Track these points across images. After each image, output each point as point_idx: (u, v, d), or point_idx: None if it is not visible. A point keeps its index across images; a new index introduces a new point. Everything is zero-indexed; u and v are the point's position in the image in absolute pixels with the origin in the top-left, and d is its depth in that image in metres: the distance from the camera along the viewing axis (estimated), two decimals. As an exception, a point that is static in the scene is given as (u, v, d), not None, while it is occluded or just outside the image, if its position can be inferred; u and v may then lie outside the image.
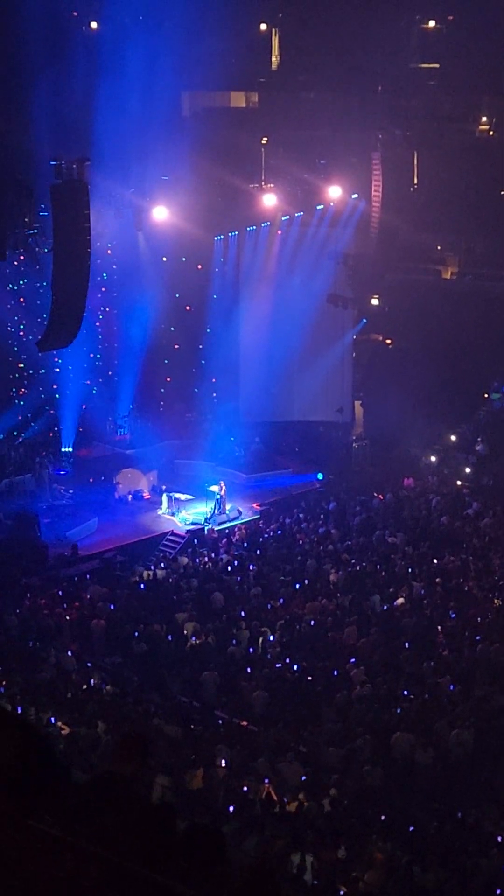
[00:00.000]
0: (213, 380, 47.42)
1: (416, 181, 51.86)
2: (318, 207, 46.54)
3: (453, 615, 30.48)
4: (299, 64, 50.62)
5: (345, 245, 47.55)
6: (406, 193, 50.20)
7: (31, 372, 44.46)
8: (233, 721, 25.50)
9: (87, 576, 35.04)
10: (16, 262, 41.10)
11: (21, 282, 42.88)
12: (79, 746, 22.00)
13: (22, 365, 44.13)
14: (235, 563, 35.40)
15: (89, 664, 28.79)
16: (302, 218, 46.50)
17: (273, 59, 51.96)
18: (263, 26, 51.98)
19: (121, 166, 40.03)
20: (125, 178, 41.34)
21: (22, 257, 40.01)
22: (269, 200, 45.42)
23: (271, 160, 46.50)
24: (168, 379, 47.48)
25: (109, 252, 42.69)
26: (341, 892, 16.43)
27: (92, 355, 44.90)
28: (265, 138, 46.87)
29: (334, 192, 46.15)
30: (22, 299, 43.04)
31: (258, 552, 36.45)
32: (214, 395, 47.57)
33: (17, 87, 37.89)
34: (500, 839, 19.44)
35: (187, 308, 45.98)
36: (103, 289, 42.55)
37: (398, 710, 24.86)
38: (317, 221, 46.75)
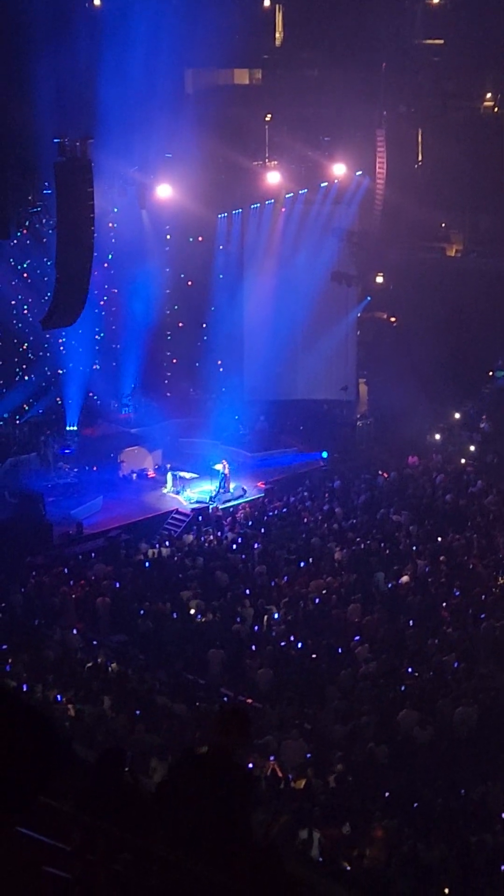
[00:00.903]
0: (219, 362, 47.34)
1: (420, 158, 51.66)
2: (323, 185, 46.40)
3: (458, 593, 30.49)
4: (303, 41, 50.33)
5: (349, 222, 47.43)
6: (410, 170, 50.04)
7: (35, 350, 44.42)
8: (238, 698, 25.57)
9: (92, 554, 35.12)
10: (18, 241, 41.04)
11: (25, 261, 42.81)
12: (85, 724, 22.09)
13: (26, 344, 44.10)
14: (240, 541, 35.44)
15: (95, 642, 28.87)
16: (306, 195, 46.36)
17: (277, 35, 51.64)
18: (267, 3, 51.63)
19: (124, 144, 39.91)
20: (129, 156, 41.23)
21: (25, 233, 39.96)
22: (273, 178, 45.31)
23: (275, 137, 46.34)
24: (175, 360, 47.48)
25: (113, 229, 42.63)
26: (346, 868, 16.49)
27: (96, 334, 44.86)
28: (269, 115, 46.69)
29: (338, 169, 46.01)
30: (26, 275, 42.97)
31: (263, 530, 36.49)
32: (221, 367, 47.40)
33: (20, 64, 37.69)
34: (503, 816, 19.49)
35: (189, 283, 45.88)
36: (105, 264, 42.45)
37: (402, 688, 24.91)
38: (321, 199, 46.62)
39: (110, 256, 42.96)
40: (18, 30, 38.54)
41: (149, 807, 4.90)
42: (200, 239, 45.60)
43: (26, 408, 44.26)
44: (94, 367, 45.18)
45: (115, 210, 42.42)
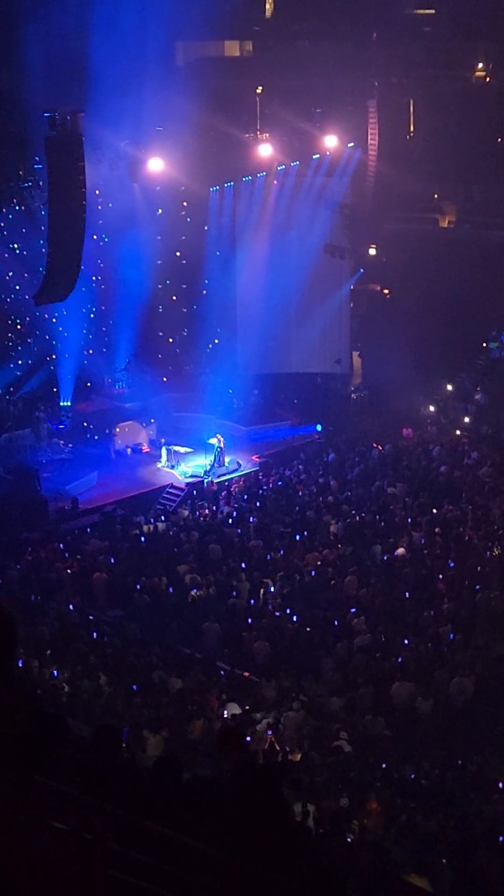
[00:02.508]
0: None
1: (412, 129, 51.54)
2: (315, 157, 46.27)
3: (453, 564, 30.54)
4: (294, 12, 50.10)
5: (341, 195, 47.35)
6: (403, 142, 49.97)
7: (28, 326, 44.31)
8: (234, 672, 25.65)
9: (88, 529, 35.13)
10: (11, 215, 40.89)
11: (17, 237, 42.64)
12: (81, 699, 22.13)
13: (19, 319, 43.98)
14: (235, 514, 35.47)
15: (91, 617, 28.91)
16: (298, 168, 46.24)
17: (267, 7, 51.40)
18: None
19: (115, 117, 39.64)
20: (119, 130, 40.98)
21: (16, 207, 39.80)
22: (265, 150, 45.16)
23: (266, 109, 46.17)
24: (170, 340, 47.43)
25: (104, 203, 42.44)
26: (349, 839, 16.56)
27: (89, 309, 44.72)
28: (260, 87, 46.51)
29: (330, 141, 45.87)
30: (18, 250, 42.80)
31: (258, 504, 36.51)
32: (216, 342, 47.31)
33: (9, 37, 37.49)
34: (501, 785, 19.57)
35: (177, 254, 45.76)
36: (95, 236, 42.27)
37: (399, 660, 25.00)
38: (313, 171, 46.51)
39: (103, 233, 42.78)
40: (6, 2, 38.30)
41: (146, 783, 4.90)
42: (189, 220, 45.46)
43: (20, 384, 44.16)
44: (88, 348, 45.05)
45: (107, 187, 42.21)
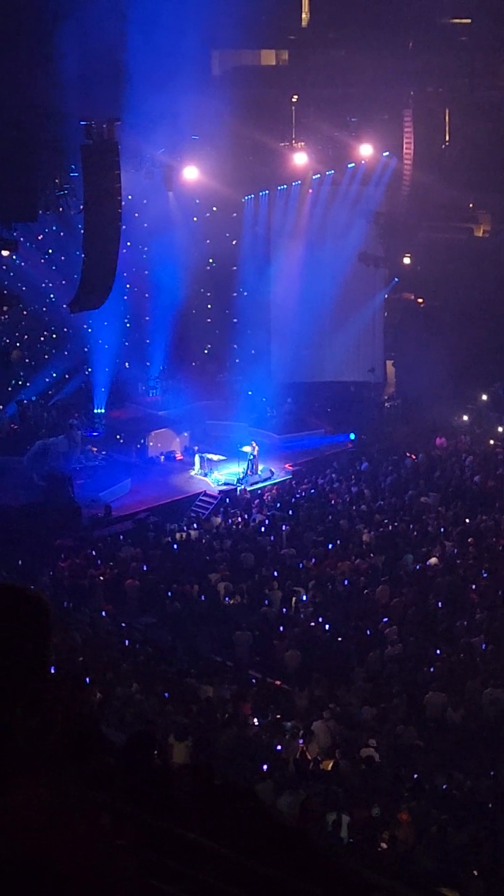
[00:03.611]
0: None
1: (448, 138, 51.34)
2: (350, 165, 46.27)
3: (486, 574, 30.42)
4: (330, 21, 49.98)
5: (376, 203, 47.32)
6: (438, 151, 49.78)
7: (62, 333, 44.48)
8: (266, 680, 25.62)
9: (121, 536, 35.21)
10: (45, 224, 41.07)
11: (52, 244, 42.86)
12: (114, 706, 22.16)
13: (54, 327, 44.17)
14: (268, 523, 35.46)
15: (123, 624, 28.96)
16: (333, 176, 46.25)
17: (303, 16, 51.34)
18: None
19: (151, 126, 39.82)
20: (155, 138, 41.12)
21: (52, 215, 39.98)
22: (300, 159, 45.17)
23: (302, 118, 46.18)
24: (206, 349, 47.50)
25: (139, 212, 42.58)
26: (379, 849, 16.50)
27: (123, 317, 44.88)
28: (296, 96, 46.49)
29: (365, 150, 45.84)
30: (53, 258, 42.97)
31: (290, 512, 36.48)
32: (252, 351, 47.33)
33: (46, 47, 37.67)
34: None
35: (210, 261, 45.83)
36: (128, 244, 42.38)
37: (431, 669, 24.91)
38: (348, 180, 46.51)
39: (138, 241, 42.89)
40: (44, 12, 38.48)
41: (179, 790, 4.91)
42: (227, 236, 45.57)
43: (54, 391, 44.36)
44: (122, 356, 45.18)
45: (142, 195, 42.33)
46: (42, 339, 44.81)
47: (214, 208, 45.06)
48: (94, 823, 3.10)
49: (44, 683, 3.09)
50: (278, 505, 37.52)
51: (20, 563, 32.20)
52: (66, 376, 44.93)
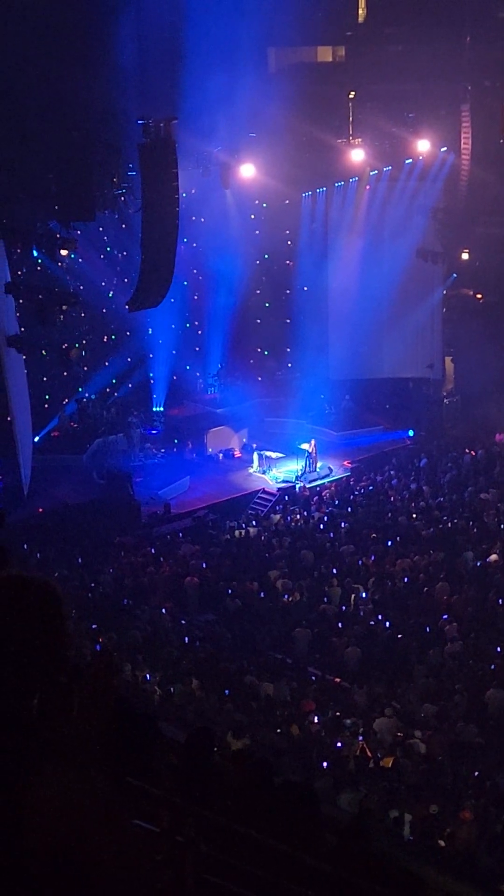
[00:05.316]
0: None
1: (506, 133, 50.97)
2: (407, 161, 46.05)
3: (547, 571, 30.22)
4: (386, 16, 49.75)
5: (434, 199, 47.05)
6: (496, 145, 49.38)
7: (122, 332, 44.68)
8: (326, 677, 25.61)
9: (180, 534, 35.35)
10: (103, 223, 41.24)
11: (111, 243, 43.05)
12: (174, 703, 22.25)
13: (113, 326, 44.38)
14: (326, 520, 35.44)
15: (183, 621, 29.06)
16: (391, 172, 46.06)
17: (360, 12, 51.15)
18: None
19: (208, 124, 39.91)
20: (212, 136, 41.21)
21: (111, 215, 40.16)
22: (358, 155, 45.04)
23: (359, 114, 46.01)
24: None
25: (196, 210, 42.68)
26: (440, 846, 16.46)
27: (181, 316, 45.02)
28: (352, 92, 46.32)
29: (423, 145, 45.60)
30: (111, 257, 43.14)
31: (349, 509, 36.44)
32: (310, 349, 47.33)
33: (103, 46, 37.83)
34: None
35: (265, 256, 45.84)
36: (187, 242, 42.51)
37: (492, 667, 24.78)
38: (405, 176, 46.30)
39: (195, 239, 42.99)
40: (102, 11, 38.64)
41: (238, 787, 4.93)
42: (287, 233, 45.61)
43: (113, 389, 44.58)
44: (181, 354, 45.35)
45: (199, 193, 42.43)
46: (103, 339, 45.02)
47: (264, 205, 45.08)
48: (122, 816, 3.12)
49: (64, 674, 3.10)
50: (337, 502, 37.48)
51: (80, 560, 32.44)
52: (125, 374, 45.11)
